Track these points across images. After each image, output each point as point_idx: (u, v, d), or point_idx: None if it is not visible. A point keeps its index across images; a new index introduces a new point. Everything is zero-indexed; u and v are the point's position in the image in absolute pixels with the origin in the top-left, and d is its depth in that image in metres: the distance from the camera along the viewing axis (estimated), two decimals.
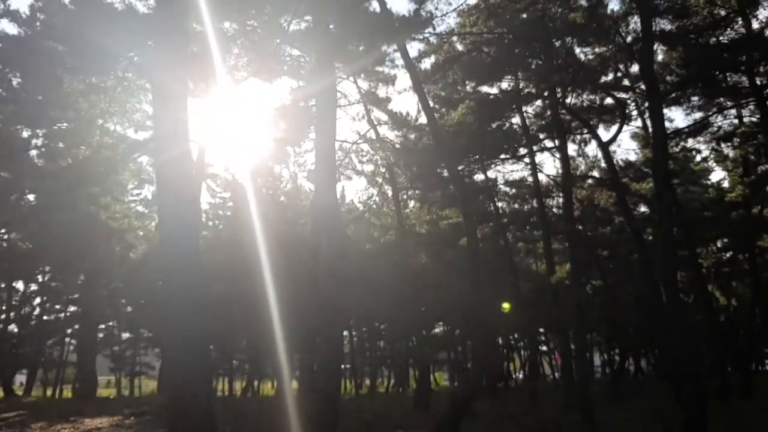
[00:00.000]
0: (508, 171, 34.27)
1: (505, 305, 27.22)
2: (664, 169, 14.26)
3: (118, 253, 32.86)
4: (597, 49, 20.44)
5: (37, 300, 32.74)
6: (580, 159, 27.15)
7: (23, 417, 16.39)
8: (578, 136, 24.45)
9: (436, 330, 40.96)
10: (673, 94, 21.78)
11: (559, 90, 19.99)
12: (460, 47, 19.33)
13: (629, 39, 17.58)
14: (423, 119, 22.35)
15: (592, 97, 20.63)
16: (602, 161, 24.01)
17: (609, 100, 22.18)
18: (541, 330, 39.54)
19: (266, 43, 17.23)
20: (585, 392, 16.23)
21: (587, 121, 20.23)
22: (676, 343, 12.99)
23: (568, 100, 20.92)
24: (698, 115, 22.96)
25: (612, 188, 21.05)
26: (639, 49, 15.44)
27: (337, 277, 9.48)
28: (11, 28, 15.99)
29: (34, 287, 32.47)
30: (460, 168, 23.91)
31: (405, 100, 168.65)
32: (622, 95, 21.33)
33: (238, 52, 17.90)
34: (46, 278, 32.36)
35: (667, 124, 24.34)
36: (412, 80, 14.80)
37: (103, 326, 36.81)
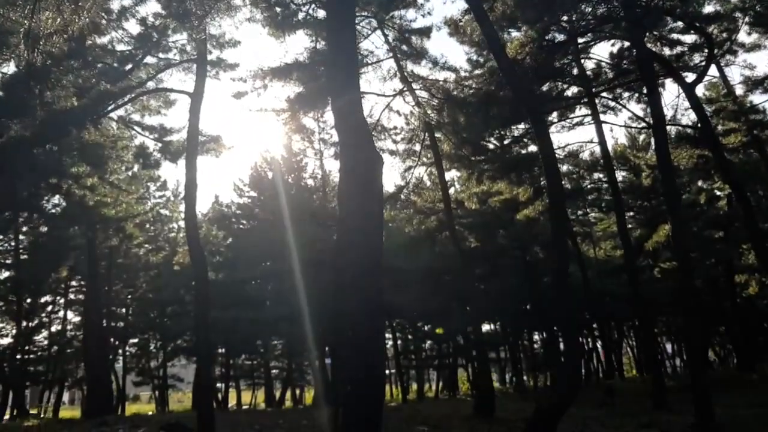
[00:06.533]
0: (562, 142, 30.28)
1: None
2: None
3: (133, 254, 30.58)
4: None
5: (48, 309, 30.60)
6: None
7: None
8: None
9: (485, 328, 37.42)
10: None
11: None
12: None
13: None
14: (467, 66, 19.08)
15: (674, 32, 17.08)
16: (679, 115, 20.34)
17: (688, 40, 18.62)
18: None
19: None
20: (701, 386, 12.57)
21: (669, 62, 16.69)
22: None
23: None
24: None
25: (702, 142, 17.32)
26: None
27: (370, 274, 6.70)
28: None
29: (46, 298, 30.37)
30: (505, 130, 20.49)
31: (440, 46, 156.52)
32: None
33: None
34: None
35: (747, 72, 20.65)
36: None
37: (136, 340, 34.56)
